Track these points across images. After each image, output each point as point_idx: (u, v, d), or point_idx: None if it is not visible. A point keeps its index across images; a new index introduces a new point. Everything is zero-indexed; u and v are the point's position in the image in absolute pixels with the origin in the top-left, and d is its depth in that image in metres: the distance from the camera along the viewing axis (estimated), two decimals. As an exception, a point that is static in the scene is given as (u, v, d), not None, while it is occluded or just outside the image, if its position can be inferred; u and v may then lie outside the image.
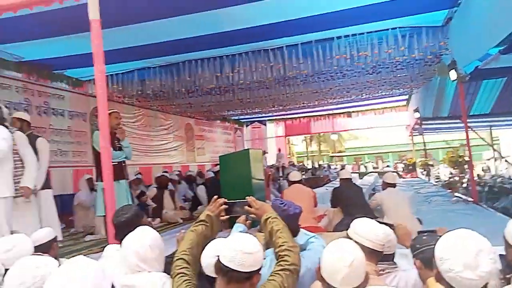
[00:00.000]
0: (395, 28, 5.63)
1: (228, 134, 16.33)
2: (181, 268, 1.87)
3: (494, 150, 13.96)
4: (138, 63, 6.84)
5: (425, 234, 2.06)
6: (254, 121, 17.37)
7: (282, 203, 2.27)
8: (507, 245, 1.81)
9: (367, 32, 5.75)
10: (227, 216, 2.23)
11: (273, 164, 15.41)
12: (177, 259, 1.92)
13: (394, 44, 5.63)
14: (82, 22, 2.93)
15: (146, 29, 5.01)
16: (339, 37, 5.87)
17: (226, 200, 2.20)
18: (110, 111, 4.30)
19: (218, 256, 1.70)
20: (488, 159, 26.76)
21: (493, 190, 11.94)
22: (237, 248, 1.64)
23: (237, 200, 2.24)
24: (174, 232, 2.10)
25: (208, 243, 2.03)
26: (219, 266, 1.66)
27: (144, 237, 1.99)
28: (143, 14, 4.54)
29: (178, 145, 12.34)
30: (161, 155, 11.32)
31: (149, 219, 6.57)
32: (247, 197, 2.21)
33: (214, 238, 2.08)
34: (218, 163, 10.84)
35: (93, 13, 2.78)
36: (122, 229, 2.21)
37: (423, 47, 5.59)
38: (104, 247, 2.44)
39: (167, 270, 2.10)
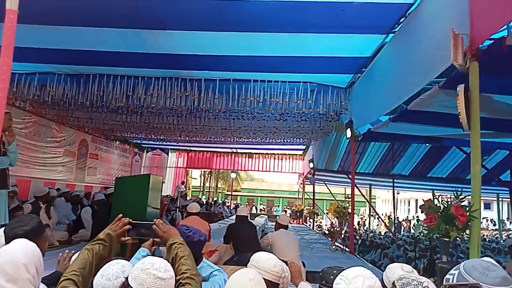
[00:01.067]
0: (306, 82, 6.15)
1: (126, 157, 15.56)
2: None
3: (371, 206, 15.49)
4: (42, 66, 6.31)
5: (331, 267, 2.21)
6: (156, 148, 16.90)
7: (188, 229, 2.25)
8: (383, 287, 2.05)
9: (281, 81, 6.16)
10: (128, 238, 2.09)
11: (168, 195, 14.99)
12: (64, 279, 1.73)
13: (303, 96, 6.12)
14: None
15: (61, 33, 4.72)
16: (255, 80, 6.18)
17: (130, 220, 2.08)
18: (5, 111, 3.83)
19: (126, 277, 1.60)
20: (364, 215, 29.74)
21: (365, 243, 13.22)
22: (151, 272, 1.56)
23: (143, 222, 2.14)
24: (49, 255, 1.85)
25: (102, 265, 1.88)
26: None
27: (18, 252, 1.70)
28: (62, 17, 4.27)
29: (68, 161, 11.32)
30: (46, 169, 10.25)
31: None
32: (155, 219, 2.13)
33: (110, 260, 1.94)
34: (108, 186, 10.28)
35: (12, 3, 2.56)
36: None
37: (327, 104, 6.17)
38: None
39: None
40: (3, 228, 2.23)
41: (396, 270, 2.08)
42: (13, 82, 6.42)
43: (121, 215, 2.11)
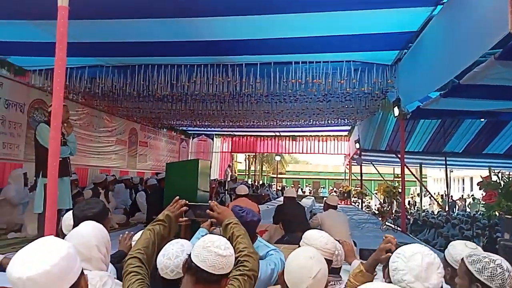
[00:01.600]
0: (349, 61, 5.99)
1: (173, 144, 16.08)
2: (134, 267, 1.81)
3: (422, 185, 15.03)
4: (90, 59, 6.62)
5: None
6: (201, 134, 17.29)
7: (241, 210, 2.31)
8: (445, 265, 2.02)
9: (323, 61, 6.06)
10: (186, 219, 2.20)
11: (216, 178, 15.37)
12: (130, 257, 1.85)
13: (347, 76, 5.97)
14: (44, 8, 2.84)
15: (107, 27, 4.91)
16: (296, 62, 6.12)
17: (187, 202, 2.17)
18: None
19: (189, 254, 1.69)
20: (414, 195, 28.86)
21: (417, 222, 12.89)
22: (212, 249, 1.63)
23: (199, 203, 2.23)
24: (111, 237, 2.01)
25: (163, 244, 2.01)
26: (190, 265, 1.64)
27: (90, 234, 1.88)
28: (108, 11, 4.45)
29: (120, 149, 11.91)
30: (100, 157, 10.85)
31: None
32: (209, 201, 2.20)
33: (170, 240, 2.05)
34: (158, 171, 10.71)
35: (63, 0, 2.71)
36: None
37: (372, 82, 5.99)
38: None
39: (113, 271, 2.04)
40: (71, 211, 2.43)
41: (461, 247, 2.03)
42: (66, 76, 6.80)
43: (177, 197, 2.20)
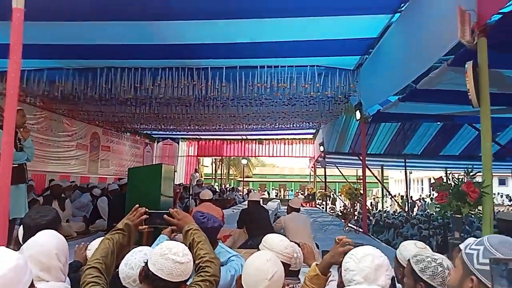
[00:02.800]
0: (313, 66, 6.12)
1: (137, 148, 15.78)
2: (93, 277, 1.75)
3: (384, 187, 15.47)
4: (50, 62, 6.38)
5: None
6: (166, 138, 17.05)
7: (203, 216, 2.29)
8: (397, 265, 2.09)
9: (288, 66, 6.14)
10: (146, 227, 2.14)
11: (181, 183, 15.17)
12: (88, 268, 1.80)
13: (311, 80, 6.09)
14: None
15: (67, 29, 4.75)
16: (262, 67, 6.17)
17: (147, 210, 2.13)
18: (17, 108, 3.92)
19: (145, 262, 1.66)
20: (376, 196, 29.75)
21: (379, 223, 13.25)
22: (169, 257, 1.60)
23: (159, 211, 2.19)
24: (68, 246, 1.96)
25: (123, 253, 1.96)
26: (146, 274, 1.61)
27: (49, 243, 1.81)
28: (67, 12, 4.29)
29: (81, 154, 11.56)
30: (60, 163, 10.46)
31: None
32: (170, 208, 2.18)
33: (130, 249, 2.00)
34: (121, 177, 10.45)
35: (18, 2, 2.60)
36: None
37: (335, 87, 6.14)
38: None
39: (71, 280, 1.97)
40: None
41: (410, 247, 2.08)
42: (23, 79, 6.50)
43: (137, 205, 2.16)
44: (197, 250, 1.88)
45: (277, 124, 10.66)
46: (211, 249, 1.94)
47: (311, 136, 16.16)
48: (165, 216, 2.12)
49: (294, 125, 11.15)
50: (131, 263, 1.85)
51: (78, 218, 7.81)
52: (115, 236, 1.99)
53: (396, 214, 16.15)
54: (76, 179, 10.66)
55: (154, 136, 16.55)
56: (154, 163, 15.17)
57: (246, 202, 12.47)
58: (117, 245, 1.95)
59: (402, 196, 25.44)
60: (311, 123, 10.76)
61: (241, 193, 19.71)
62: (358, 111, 6.50)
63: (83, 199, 8.61)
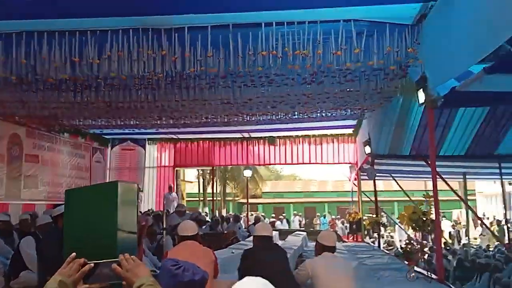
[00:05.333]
0: (349, 20, 6.04)
1: (81, 157, 15.89)
2: None
3: (469, 208, 15.36)
4: None
5: None
6: (125, 140, 17.13)
7: (176, 265, 2.30)
8: None
9: (309, 22, 6.06)
10: (86, 286, 2.20)
11: (150, 210, 15.19)
12: None
13: (346, 44, 6.01)
14: None
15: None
16: (268, 24, 6.11)
17: (86, 260, 2.21)
18: None
19: None
20: (459, 221, 29.55)
21: (463, 265, 13.16)
22: None
23: (104, 260, 2.22)
24: None
25: None
26: None
27: None
28: None
29: (-7, 169, 11.65)
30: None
31: None
32: (120, 255, 2.20)
33: None
34: (57, 203, 10.48)
35: None
36: None
37: (385, 53, 6.07)
38: None
39: None
40: None
41: None
42: None
43: (74, 254, 2.22)
44: None
45: (296, 113, 10.61)
46: None
47: (350, 131, 16.15)
48: (114, 266, 2.17)
49: (323, 115, 11.13)
50: None
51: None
52: None
53: (491, 249, 16.00)
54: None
55: (106, 137, 16.67)
56: (106, 181, 15.21)
57: (251, 238, 12.46)
58: None
59: (498, 221, 25.26)
60: (349, 111, 10.73)
61: (245, 223, 19.72)
62: (421, 90, 6.43)
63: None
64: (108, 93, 8.37)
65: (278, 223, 28.31)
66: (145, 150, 17.90)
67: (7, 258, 8.31)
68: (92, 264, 2.21)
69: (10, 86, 7.76)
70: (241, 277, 5.76)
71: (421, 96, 6.52)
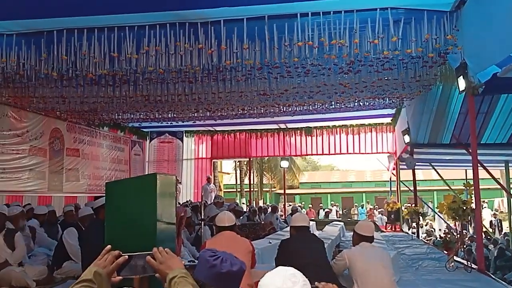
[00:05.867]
0: (386, 8, 5.97)
1: (120, 150, 16.13)
2: None
3: (510, 196, 15.05)
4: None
5: None
6: (163, 132, 17.30)
7: (214, 256, 2.29)
8: None
9: (345, 11, 6.03)
10: (118, 278, 2.21)
11: (188, 201, 15.30)
12: None
13: (383, 33, 5.95)
14: None
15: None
16: (304, 15, 6.09)
17: (120, 253, 2.21)
18: None
19: None
20: (500, 210, 28.96)
21: (505, 254, 12.93)
22: None
23: (139, 253, 2.24)
24: None
25: None
26: None
27: None
28: None
29: (37, 162, 11.89)
30: (6, 177, 10.76)
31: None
32: (154, 248, 2.22)
33: None
34: (99, 195, 10.67)
35: None
36: None
37: (423, 40, 6.00)
38: None
39: None
40: None
41: None
42: None
43: (109, 246, 2.23)
44: None
45: (332, 104, 10.56)
46: None
47: (388, 120, 15.96)
48: (148, 258, 2.18)
49: (361, 104, 11.02)
50: None
51: (38, 258, 8.03)
52: None
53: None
54: (32, 201, 10.97)
55: (144, 130, 16.85)
56: (145, 173, 15.39)
57: (289, 228, 12.47)
58: None
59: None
60: (387, 99, 10.62)
61: (282, 214, 19.70)
62: (461, 77, 6.35)
63: (42, 232, 8.84)
64: (146, 87, 8.53)
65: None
66: (182, 142, 18.05)
67: (50, 250, 8.52)
68: (127, 256, 2.22)
69: (52, 82, 7.95)
70: (278, 267, 5.79)
71: (462, 83, 6.44)
